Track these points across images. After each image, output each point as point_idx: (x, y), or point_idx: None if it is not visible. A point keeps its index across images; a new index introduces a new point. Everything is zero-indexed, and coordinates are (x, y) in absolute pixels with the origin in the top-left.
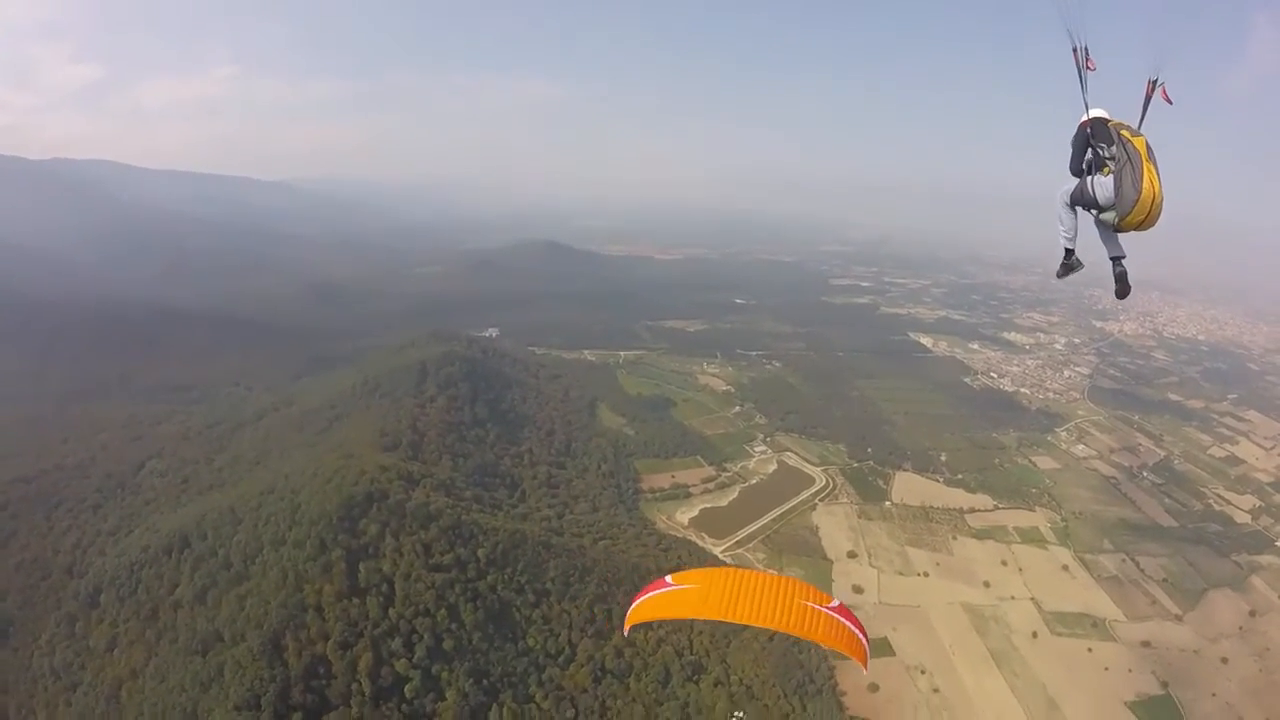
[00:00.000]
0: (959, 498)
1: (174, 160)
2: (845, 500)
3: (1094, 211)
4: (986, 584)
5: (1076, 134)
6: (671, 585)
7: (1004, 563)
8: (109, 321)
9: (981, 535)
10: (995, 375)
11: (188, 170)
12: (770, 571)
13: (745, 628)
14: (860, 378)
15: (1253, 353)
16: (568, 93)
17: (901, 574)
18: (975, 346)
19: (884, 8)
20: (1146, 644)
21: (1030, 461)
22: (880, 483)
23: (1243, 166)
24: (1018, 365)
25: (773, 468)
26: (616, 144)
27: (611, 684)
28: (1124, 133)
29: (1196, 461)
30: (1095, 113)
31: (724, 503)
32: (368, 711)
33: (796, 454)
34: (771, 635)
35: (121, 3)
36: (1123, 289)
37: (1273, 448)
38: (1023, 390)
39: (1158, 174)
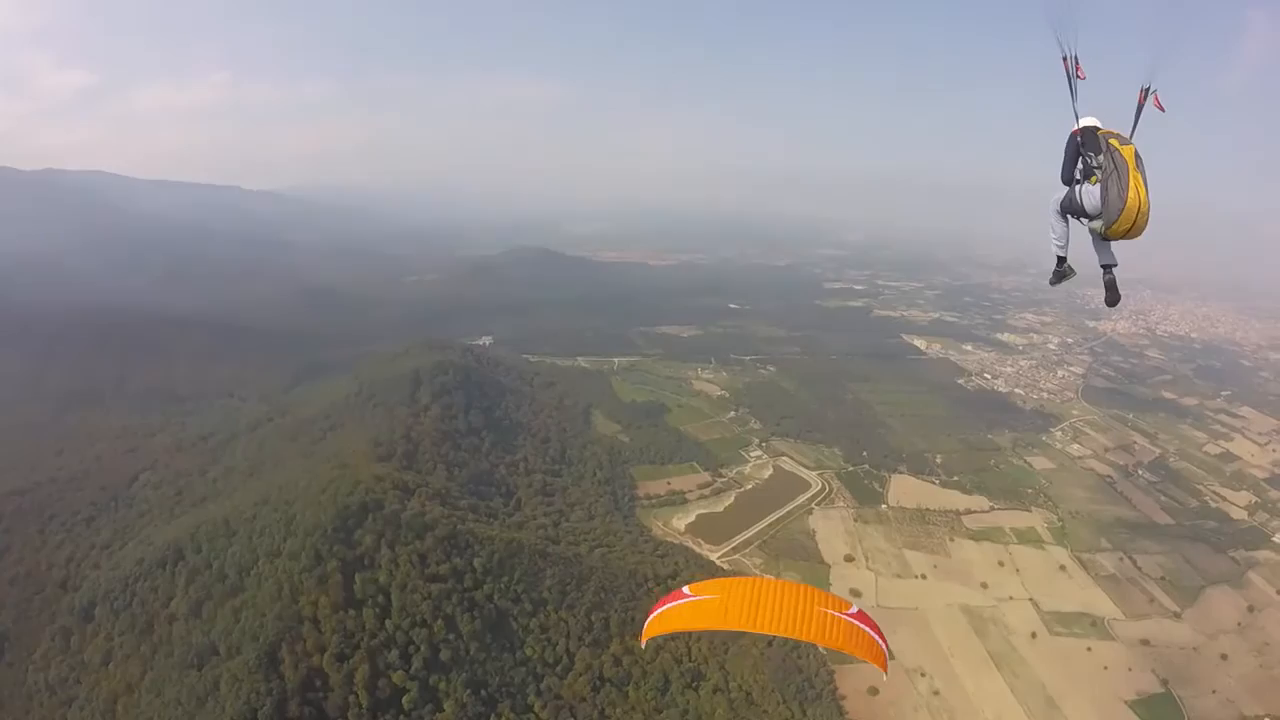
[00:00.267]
0: (955, 499)
1: (168, 168)
2: (841, 504)
3: (1083, 220)
4: (984, 585)
5: (1067, 143)
6: (690, 596)
7: (1001, 564)
8: (103, 331)
9: (978, 537)
10: (989, 376)
11: (182, 180)
12: (788, 579)
13: (743, 634)
14: (855, 381)
15: (1246, 349)
16: (560, 93)
17: (899, 577)
18: (969, 348)
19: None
20: (1145, 642)
21: (1026, 462)
22: (876, 486)
23: (1237, 163)
24: (1011, 366)
25: (768, 473)
26: (611, 143)
27: (610, 692)
28: (1113, 141)
29: (1192, 459)
30: (1086, 122)
31: (720, 508)
32: None
33: (792, 458)
34: (770, 641)
35: (112, 9)
36: (1112, 297)
37: (1267, 444)
38: (1017, 391)
39: (1145, 184)
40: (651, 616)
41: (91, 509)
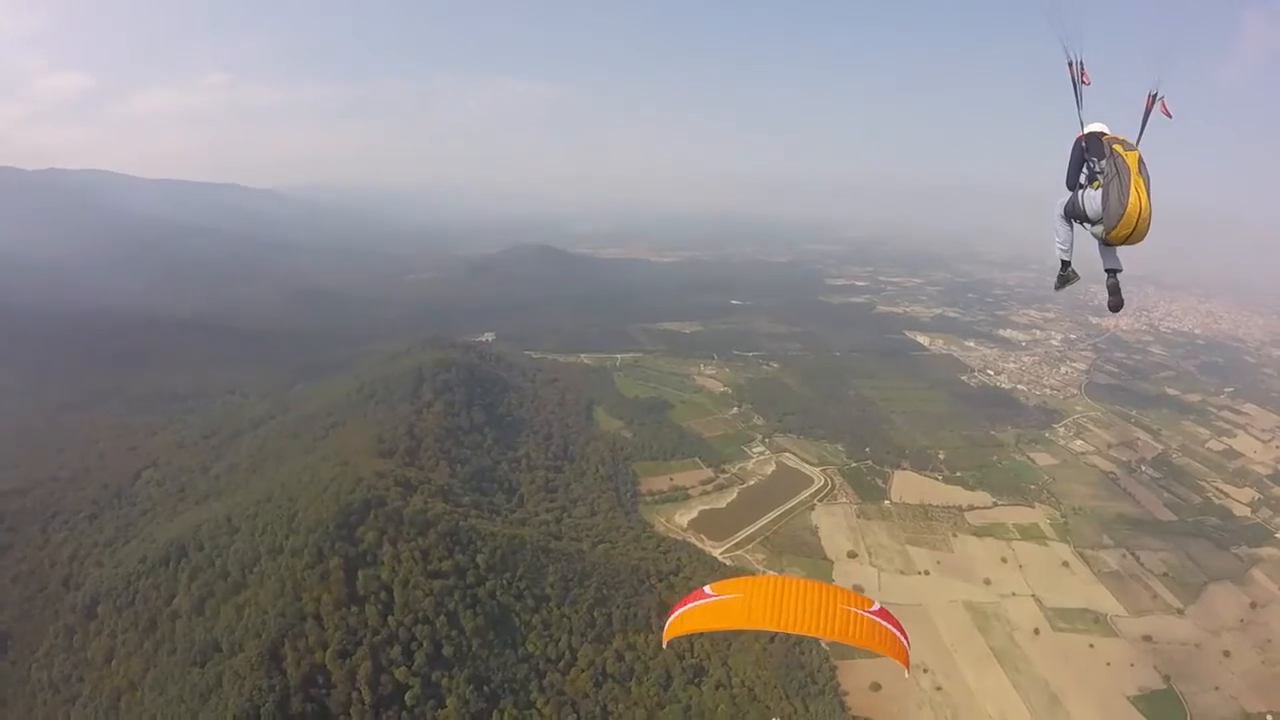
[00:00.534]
0: (958, 495)
1: (167, 169)
2: (844, 500)
3: (1086, 225)
4: (987, 581)
5: (1073, 148)
6: (712, 596)
7: (1004, 560)
8: (104, 331)
9: (981, 533)
10: (992, 372)
11: (181, 179)
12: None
13: (744, 630)
14: (857, 377)
15: (1249, 346)
16: (560, 93)
17: (902, 573)
18: (971, 344)
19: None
20: (1148, 638)
21: (1028, 458)
22: (879, 482)
23: (1237, 157)
24: (1014, 362)
25: (771, 468)
26: (609, 145)
27: (613, 688)
28: (1116, 147)
29: (1194, 455)
30: (1092, 127)
31: (723, 504)
32: None
33: (795, 454)
34: (772, 636)
35: (110, 13)
36: (1115, 301)
37: (1270, 440)
38: (1020, 387)
39: (1147, 189)
40: (673, 616)
41: (94, 507)
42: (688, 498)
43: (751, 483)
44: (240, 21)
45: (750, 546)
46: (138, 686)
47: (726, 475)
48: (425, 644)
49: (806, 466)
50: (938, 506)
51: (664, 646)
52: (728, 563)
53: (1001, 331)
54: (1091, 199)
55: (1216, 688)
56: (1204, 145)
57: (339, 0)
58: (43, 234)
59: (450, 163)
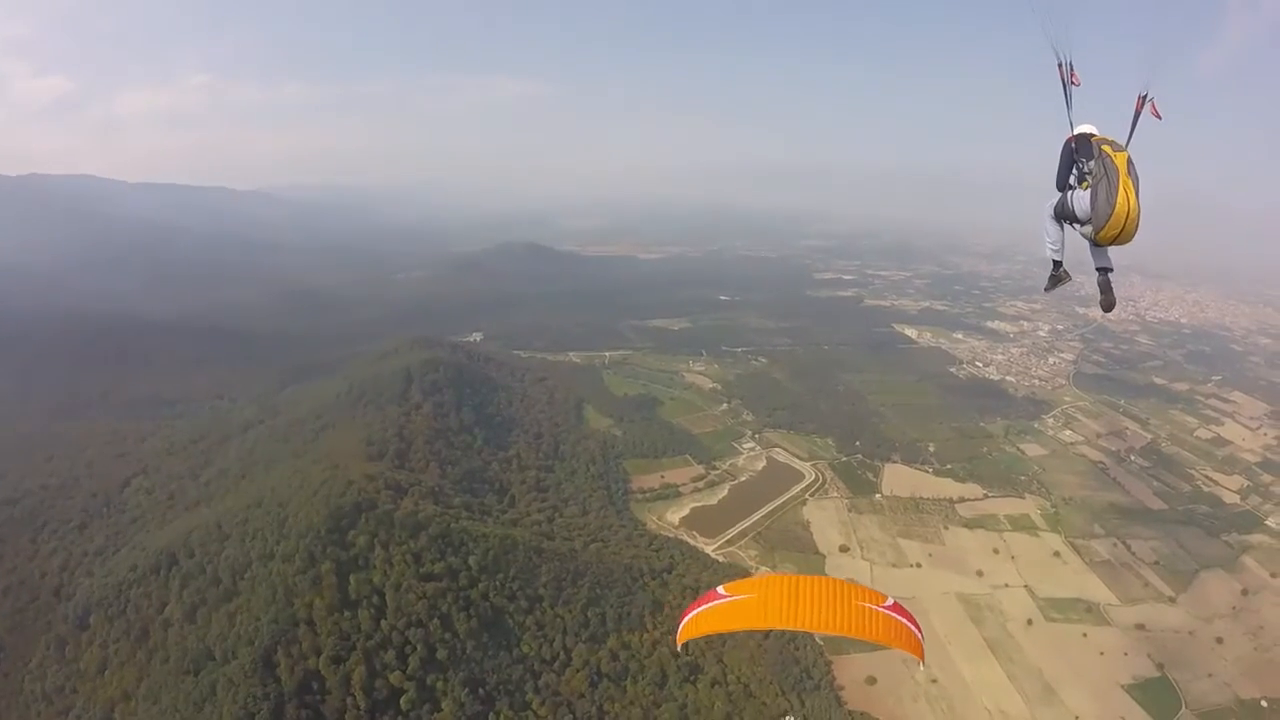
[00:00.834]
0: (949, 488)
1: (152, 172)
2: (835, 494)
3: (1076, 225)
4: (979, 573)
5: (1062, 149)
6: (726, 596)
7: (996, 551)
8: (91, 336)
9: (972, 524)
10: (980, 364)
11: (166, 182)
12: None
13: None
14: (846, 371)
15: (1235, 334)
16: (546, 91)
17: (894, 566)
18: (959, 336)
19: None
20: (1141, 627)
21: (1018, 449)
22: (870, 475)
23: (1220, 146)
24: (1002, 353)
25: (762, 464)
26: (597, 141)
27: (608, 688)
28: (1105, 148)
29: (1183, 444)
30: (1081, 128)
31: (714, 501)
32: None
33: (785, 450)
34: (766, 633)
35: (90, 15)
36: (1107, 300)
37: (1258, 428)
38: (1008, 378)
39: (1135, 190)
40: (687, 619)
41: (83, 515)
42: (679, 495)
43: (742, 479)
44: (222, 21)
45: (742, 543)
46: (131, 697)
47: (717, 472)
48: (419, 647)
49: (797, 461)
50: (929, 499)
51: (678, 649)
52: (720, 559)
53: (989, 323)
54: (1081, 200)
55: (1210, 675)
56: (1186, 135)
57: None
58: (25, 240)
59: (437, 160)
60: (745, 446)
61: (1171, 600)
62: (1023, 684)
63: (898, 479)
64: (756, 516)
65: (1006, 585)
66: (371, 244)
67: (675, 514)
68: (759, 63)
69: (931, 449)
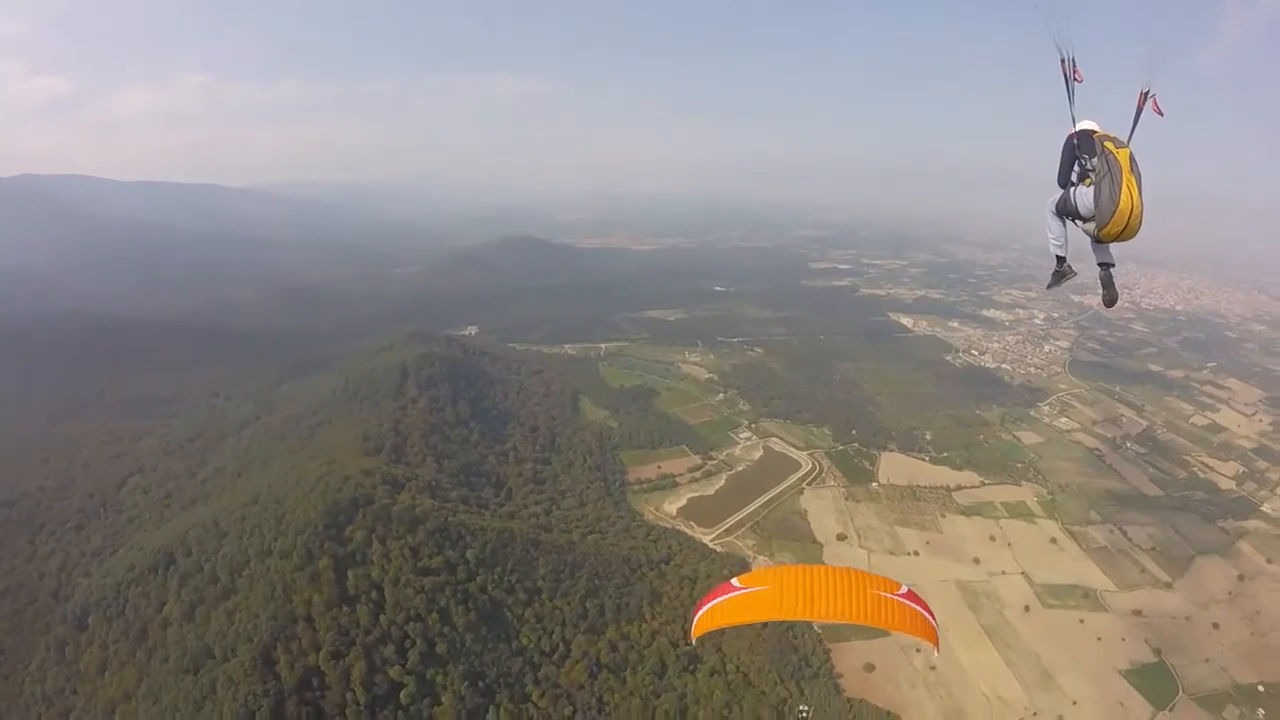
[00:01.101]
0: (945, 475)
1: (147, 171)
2: (832, 483)
3: (1078, 222)
4: (977, 560)
5: (1064, 146)
6: (741, 589)
7: (993, 538)
8: (85, 337)
9: (969, 512)
10: (976, 352)
11: (162, 181)
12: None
13: None
14: (842, 360)
15: (1230, 321)
16: (547, 89)
17: (892, 554)
18: (955, 324)
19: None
20: (1138, 613)
21: (1014, 436)
22: (866, 464)
23: (1219, 141)
24: (998, 342)
25: (758, 454)
26: (595, 137)
27: (608, 678)
28: (1108, 145)
29: (1179, 430)
30: (1083, 125)
31: (711, 491)
32: None
33: (782, 439)
34: (765, 622)
35: (88, 14)
36: (1109, 295)
37: (1253, 414)
38: (1004, 366)
39: (1139, 187)
40: (701, 611)
41: (80, 516)
42: (676, 485)
43: (739, 468)
44: (222, 20)
45: (740, 532)
46: (131, 697)
47: (714, 462)
48: (418, 642)
49: (794, 451)
50: (925, 487)
51: (693, 642)
52: (718, 550)
53: (985, 311)
54: (1083, 196)
55: (1207, 660)
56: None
57: None
58: (18, 241)
59: (436, 157)
60: (742, 436)
61: (1168, 586)
62: (1020, 670)
63: (894, 467)
64: (754, 506)
65: (1004, 572)
66: (369, 240)
67: (672, 504)
68: (759, 62)
69: (928, 437)
